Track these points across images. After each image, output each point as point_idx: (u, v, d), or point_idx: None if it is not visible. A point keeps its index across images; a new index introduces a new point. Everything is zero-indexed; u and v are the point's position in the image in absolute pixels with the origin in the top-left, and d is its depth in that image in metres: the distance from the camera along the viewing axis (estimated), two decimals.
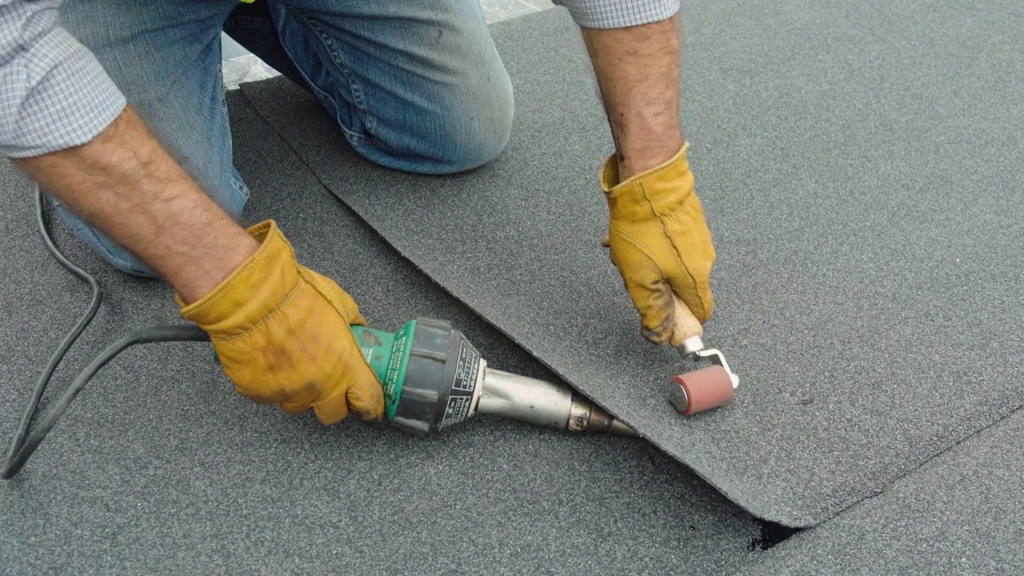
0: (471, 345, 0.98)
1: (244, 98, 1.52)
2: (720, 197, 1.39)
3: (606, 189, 1.00)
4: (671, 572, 0.90)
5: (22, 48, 0.73)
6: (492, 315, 1.08)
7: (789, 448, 1.02)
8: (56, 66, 0.74)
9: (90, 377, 0.88)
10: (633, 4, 0.93)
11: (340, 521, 0.93)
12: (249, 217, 1.25)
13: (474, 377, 0.95)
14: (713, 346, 1.09)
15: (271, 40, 1.42)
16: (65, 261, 1.18)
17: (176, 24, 1.11)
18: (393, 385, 0.93)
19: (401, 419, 0.95)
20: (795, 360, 1.13)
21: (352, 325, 0.93)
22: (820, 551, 0.91)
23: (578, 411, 0.99)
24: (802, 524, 0.93)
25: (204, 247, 0.81)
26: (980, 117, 1.61)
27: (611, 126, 1.00)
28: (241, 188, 1.24)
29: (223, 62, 1.26)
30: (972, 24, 1.89)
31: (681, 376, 1.02)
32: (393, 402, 0.93)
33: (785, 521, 0.92)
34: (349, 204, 1.31)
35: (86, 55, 0.78)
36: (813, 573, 0.89)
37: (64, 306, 1.14)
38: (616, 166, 1.01)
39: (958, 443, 1.04)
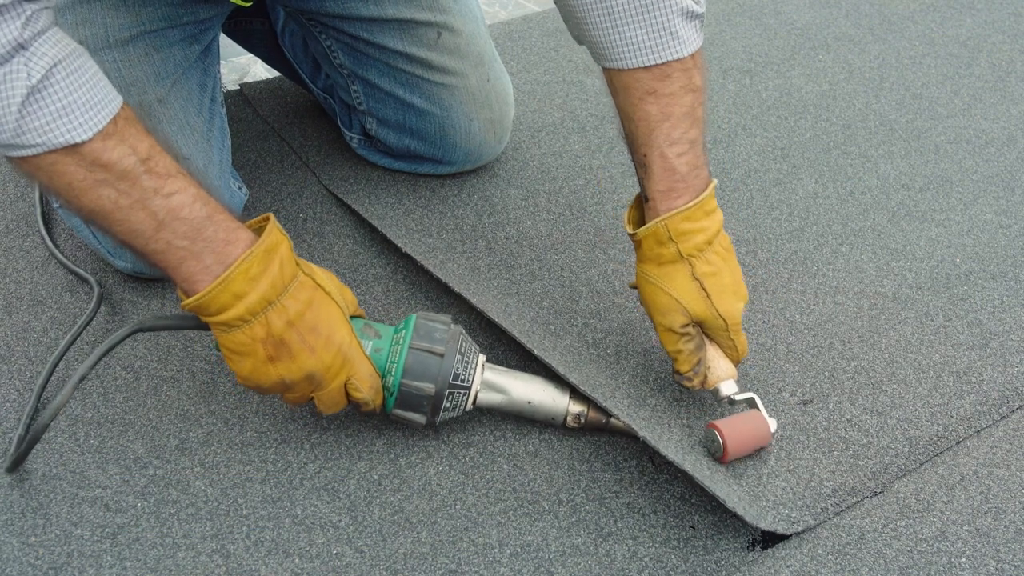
0: (471, 340, 0.98)
1: (244, 98, 1.52)
2: (720, 197, 1.39)
3: (630, 231, 0.97)
4: (671, 572, 0.90)
5: (21, 47, 0.73)
6: (493, 312, 1.08)
7: (789, 448, 1.01)
8: (55, 65, 0.75)
9: (94, 364, 0.89)
10: (651, 44, 0.91)
11: (340, 521, 0.93)
12: (249, 218, 1.24)
13: (472, 372, 0.96)
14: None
15: (270, 41, 1.42)
16: (65, 261, 1.18)
17: (175, 25, 1.11)
18: (392, 378, 0.93)
19: (399, 411, 0.95)
20: (795, 360, 1.13)
21: (352, 317, 0.94)
22: (820, 551, 0.91)
23: (576, 408, 0.99)
24: (801, 527, 0.93)
25: (204, 241, 0.82)
26: (980, 117, 1.61)
27: (635, 167, 0.97)
28: (241, 188, 1.24)
29: (223, 62, 1.26)
30: (972, 24, 1.89)
31: (717, 422, 0.98)
32: (391, 394, 0.94)
33: (782, 529, 0.92)
34: (349, 204, 1.31)
35: (83, 54, 0.78)
36: (813, 573, 0.89)
37: (64, 306, 1.14)
38: (641, 207, 0.98)
39: (958, 443, 1.04)
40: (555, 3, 0.99)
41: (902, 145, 1.53)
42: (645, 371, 1.09)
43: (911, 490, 0.98)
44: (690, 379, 0.99)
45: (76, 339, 1.07)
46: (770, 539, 0.93)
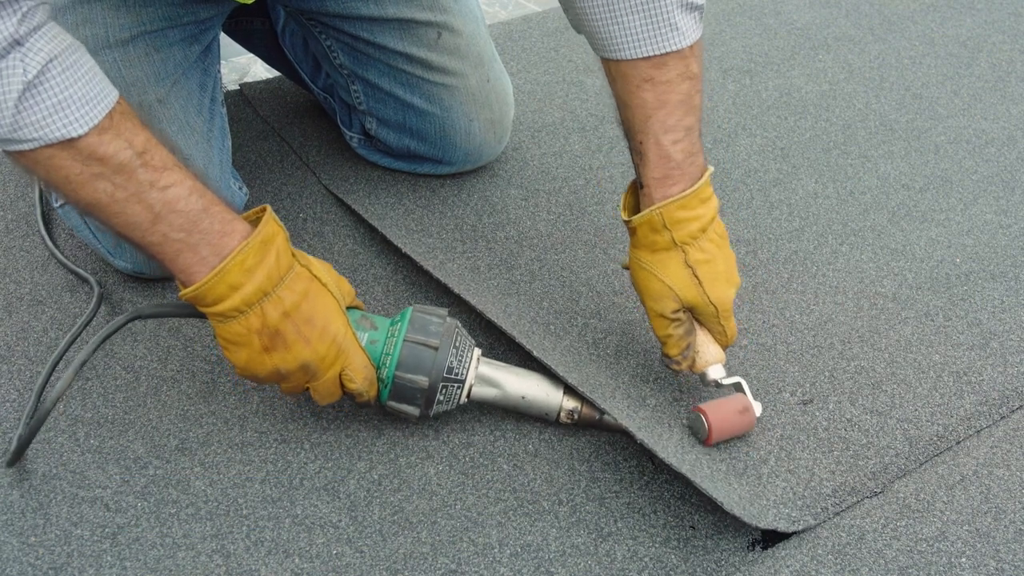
0: (466, 334, 0.98)
1: (244, 98, 1.52)
2: (720, 197, 1.37)
3: (626, 218, 0.98)
4: (671, 572, 0.90)
5: (17, 43, 0.74)
6: (492, 312, 1.08)
7: (789, 448, 1.01)
8: (51, 60, 0.75)
9: (94, 350, 0.90)
10: (651, 35, 0.91)
11: (340, 521, 0.93)
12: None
13: (467, 366, 0.96)
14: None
15: (271, 41, 1.42)
16: (65, 261, 1.18)
17: (175, 25, 1.11)
18: (386, 369, 0.94)
19: (393, 403, 0.96)
20: (795, 360, 1.13)
21: (349, 309, 0.95)
22: (820, 551, 0.91)
23: (569, 404, 0.99)
24: (801, 526, 0.93)
25: (200, 233, 0.83)
26: (980, 117, 1.61)
27: (631, 153, 0.98)
28: (241, 188, 1.24)
29: (223, 62, 1.26)
30: (972, 24, 1.89)
31: (702, 405, 0.99)
32: (386, 386, 0.94)
33: (782, 527, 0.92)
34: (349, 204, 1.31)
35: (79, 49, 0.79)
36: (813, 573, 0.89)
37: (64, 306, 1.14)
38: (637, 193, 0.99)
39: (958, 443, 1.04)
40: None
41: (902, 145, 1.53)
42: (645, 371, 1.09)
43: (911, 490, 0.98)
44: (679, 363, 1.00)
45: (76, 339, 1.07)
46: (770, 539, 0.93)
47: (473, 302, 1.09)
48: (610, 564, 0.91)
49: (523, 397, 0.99)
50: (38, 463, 0.96)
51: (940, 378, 1.11)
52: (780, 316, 1.19)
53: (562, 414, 1.00)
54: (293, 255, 0.89)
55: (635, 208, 0.99)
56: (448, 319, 0.97)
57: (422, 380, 0.94)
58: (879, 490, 0.98)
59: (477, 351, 0.98)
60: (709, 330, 1.01)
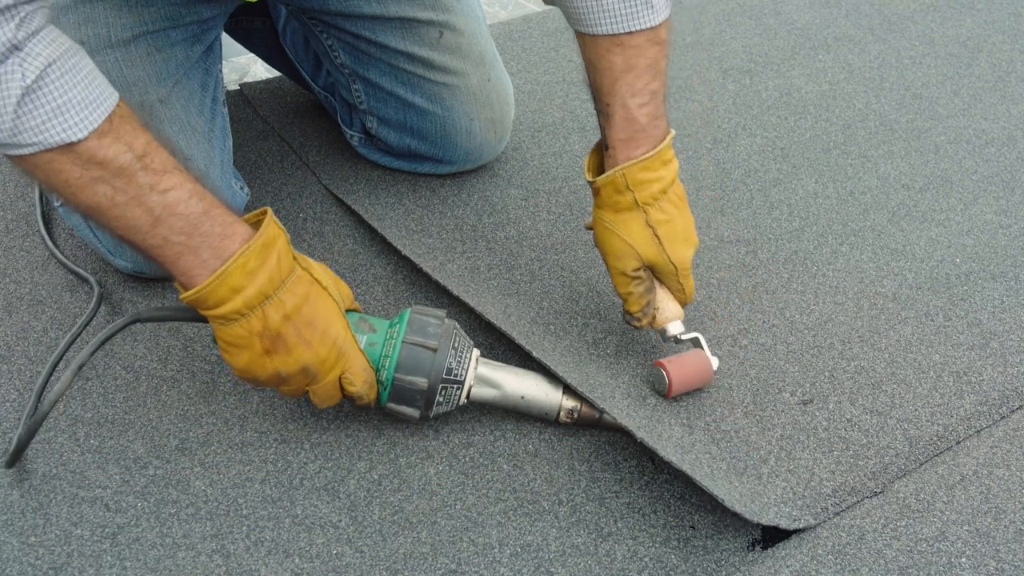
0: (464, 335, 0.98)
1: (244, 98, 1.52)
2: (720, 197, 1.39)
3: (589, 179, 1.01)
4: (671, 572, 0.90)
5: (16, 48, 0.74)
6: (492, 314, 1.08)
7: (789, 448, 1.02)
8: (50, 64, 0.75)
9: (93, 352, 0.90)
10: (626, 12, 0.94)
11: (340, 521, 0.93)
12: None
13: (466, 367, 0.96)
14: (713, 345, 1.09)
15: (271, 40, 1.42)
16: (65, 261, 1.18)
17: (177, 25, 1.11)
18: (385, 372, 0.94)
19: (392, 405, 0.96)
20: (795, 360, 1.13)
21: (348, 311, 0.95)
22: (820, 551, 0.91)
23: (569, 403, 1.00)
24: (801, 525, 0.93)
25: (201, 236, 0.83)
26: (980, 117, 1.61)
27: (597, 115, 1.01)
28: (242, 188, 1.24)
29: (223, 62, 1.26)
30: (972, 24, 1.89)
31: (661, 360, 1.04)
32: (385, 388, 0.95)
33: (784, 524, 0.92)
34: (349, 204, 1.31)
35: (78, 52, 0.79)
36: (813, 573, 0.89)
37: (64, 306, 1.14)
38: (601, 154, 1.02)
39: (958, 443, 1.04)
40: None
41: (902, 145, 1.53)
42: (645, 371, 1.09)
43: (911, 490, 0.98)
44: (639, 319, 1.04)
45: (76, 339, 1.07)
46: (770, 538, 0.93)
47: (473, 303, 1.09)
48: (610, 564, 0.91)
49: (522, 397, 1.00)
50: (38, 463, 0.96)
51: (940, 378, 1.12)
52: (780, 316, 1.19)
53: (562, 413, 1.00)
54: (294, 258, 0.89)
55: (599, 169, 1.03)
56: (446, 320, 0.97)
57: (421, 382, 0.94)
58: (879, 490, 0.98)
59: (476, 352, 0.98)
60: (669, 288, 1.05)
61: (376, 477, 0.97)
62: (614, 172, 0.97)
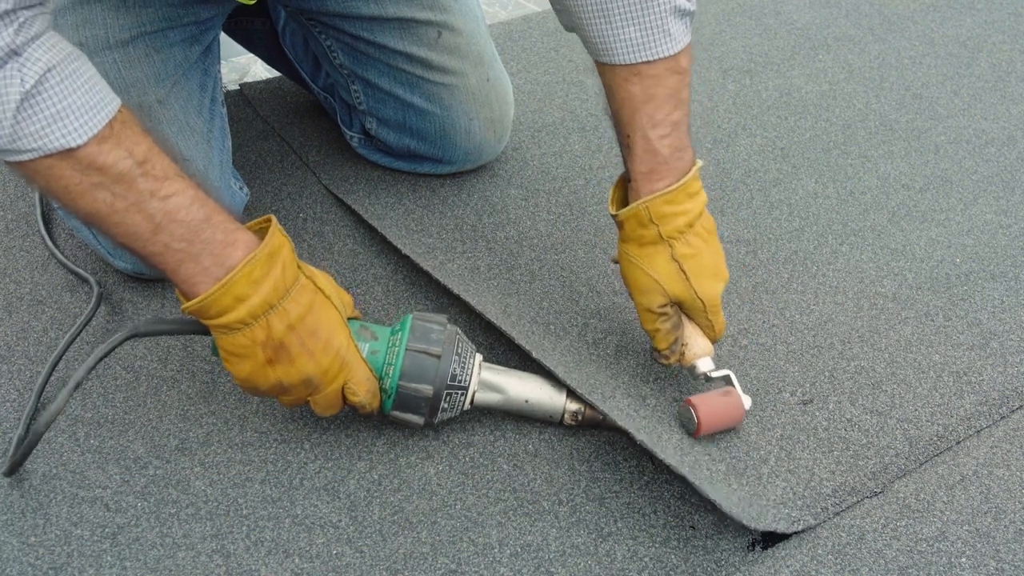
0: (467, 340, 0.98)
1: (244, 98, 1.52)
2: (720, 197, 1.39)
3: (613, 212, 0.99)
4: (671, 572, 0.90)
5: (15, 53, 0.73)
6: (492, 313, 1.08)
7: (789, 448, 1.01)
8: (49, 70, 0.75)
9: (91, 369, 0.89)
10: (644, 41, 0.92)
11: (340, 521, 0.93)
12: (249, 218, 1.24)
13: (469, 372, 0.96)
14: (713, 344, 1.08)
15: (271, 41, 1.42)
16: (65, 261, 1.18)
17: (176, 26, 1.11)
18: (389, 380, 0.93)
19: (397, 413, 0.95)
20: (795, 360, 1.13)
21: (348, 320, 0.94)
22: (820, 551, 0.91)
23: (573, 405, 0.99)
24: (801, 526, 0.93)
25: (202, 243, 0.82)
26: (980, 117, 1.61)
27: (620, 147, 0.99)
28: (241, 189, 1.24)
29: (223, 62, 1.26)
30: (972, 24, 1.89)
31: (691, 398, 1.00)
32: (389, 396, 0.94)
33: (781, 528, 0.92)
34: (349, 204, 1.31)
35: (79, 58, 0.78)
36: (813, 573, 0.89)
37: (64, 306, 1.14)
38: (625, 187, 1.00)
39: (958, 443, 1.04)
40: None
41: (902, 145, 1.53)
42: (645, 371, 1.09)
43: (911, 490, 0.98)
44: (667, 357, 1.01)
45: (76, 339, 1.07)
46: (770, 539, 0.93)
47: (473, 303, 1.09)
48: (610, 564, 0.91)
49: (526, 401, 0.99)
50: (38, 463, 0.96)
51: (940, 378, 1.11)
52: (780, 316, 1.19)
53: (566, 415, 1.00)
54: (298, 267, 0.88)
55: (623, 201, 1.00)
56: (448, 326, 0.97)
57: (426, 389, 0.93)
58: (879, 490, 0.98)
59: (479, 357, 0.98)
60: (698, 324, 1.01)
61: (376, 477, 0.97)
62: (636, 205, 0.95)
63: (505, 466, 0.99)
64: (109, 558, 0.88)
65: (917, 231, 1.35)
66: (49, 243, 1.21)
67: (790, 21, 1.87)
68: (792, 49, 1.78)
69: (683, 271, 0.96)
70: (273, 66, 1.49)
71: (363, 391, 0.91)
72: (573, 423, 1.00)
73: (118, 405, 1.02)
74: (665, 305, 0.98)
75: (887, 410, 1.07)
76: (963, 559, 0.91)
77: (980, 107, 1.64)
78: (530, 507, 0.95)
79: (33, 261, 1.20)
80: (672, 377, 1.09)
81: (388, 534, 0.92)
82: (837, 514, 0.95)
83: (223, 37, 1.30)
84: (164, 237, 0.81)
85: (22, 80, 0.73)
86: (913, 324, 1.19)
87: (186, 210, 0.82)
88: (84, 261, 1.20)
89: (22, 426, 0.96)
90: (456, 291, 1.11)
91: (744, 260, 1.27)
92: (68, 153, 0.76)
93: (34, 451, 0.96)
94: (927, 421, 1.06)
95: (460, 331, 0.98)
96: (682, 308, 1.00)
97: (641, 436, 0.93)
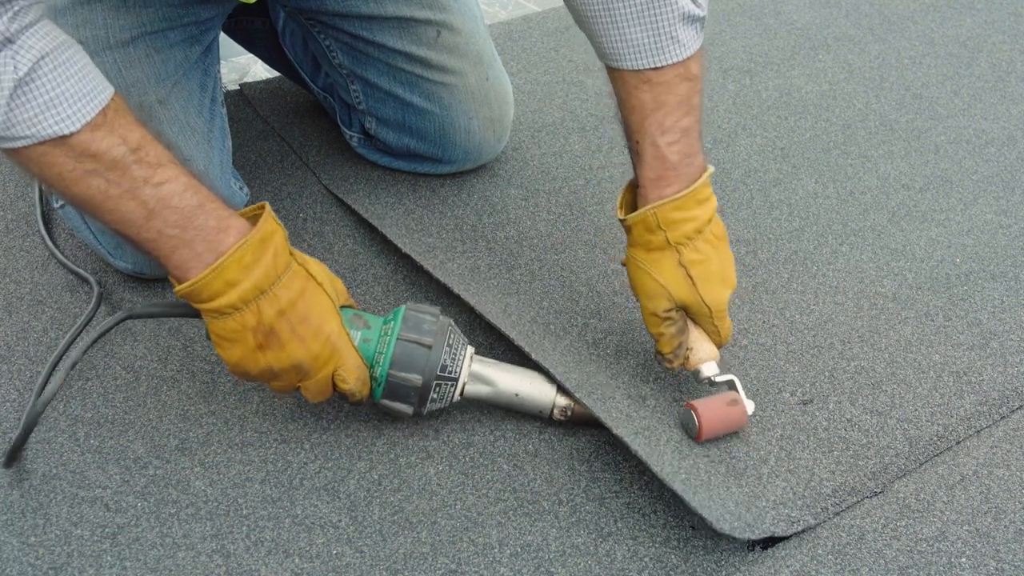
0: (459, 332, 0.98)
1: (244, 98, 1.52)
2: (720, 197, 1.38)
3: (621, 216, 0.99)
4: (671, 572, 0.90)
5: (8, 41, 0.74)
6: (492, 313, 1.08)
7: (789, 448, 1.01)
8: (42, 57, 0.75)
9: (86, 350, 0.91)
10: (652, 47, 0.92)
11: (340, 521, 0.93)
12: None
13: (460, 363, 0.96)
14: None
15: (271, 41, 1.42)
16: (65, 261, 1.18)
17: (176, 26, 1.11)
18: (379, 368, 0.94)
19: (386, 402, 0.96)
20: (795, 360, 1.13)
21: (342, 308, 0.95)
22: (820, 551, 0.91)
23: (563, 401, 1.00)
24: (800, 527, 0.93)
25: (195, 229, 0.83)
26: (980, 117, 1.61)
27: (629, 153, 0.99)
28: (241, 188, 1.24)
29: (223, 62, 1.26)
30: (972, 24, 1.89)
31: (694, 402, 0.99)
32: (379, 385, 0.94)
33: (779, 531, 0.92)
34: (349, 204, 1.31)
35: (73, 46, 0.79)
36: (813, 573, 0.89)
37: (64, 306, 1.14)
38: (634, 192, 0.99)
39: (958, 443, 1.04)
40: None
41: (902, 145, 1.53)
42: (645, 371, 1.09)
43: (911, 490, 0.98)
44: (671, 361, 1.01)
45: (76, 339, 1.07)
46: (770, 539, 0.93)
47: (472, 302, 1.09)
48: (610, 564, 0.91)
49: (516, 394, 1.00)
50: (38, 463, 0.96)
51: (940, 378, 1.11)
52: (780, 316, 1.19)
53: (555, 411, 1.00)
54: (291, 253, 0.89)
55: (632, 205, 1.00)
56: (441, 317, 0.97)
57: (416, 378, 0.94)
58: (879, 490, 0.98)
59: (470, 349, 0.98)
60: (703, 329, 1.01)
61: (376, 477, 0.97)
62: (644, 211, 0.95)
63: (505, 466, 0.99)
64: (109, 558, 0.88)
65: (917, 231, 1.35)
66: (49, 243, 1.21)
67: (790, 21, 1.87)
68: (792, 49, 1.78)
69: (690, 276, 0.96)
70: (273, 66, 1.49)
71: (353, 378, 0.92)
72: (563, 418, 1.00)
73: (118, 405, 1.02)
74: (670, 310, 0.98)
75: (887, 410, 1.07)
76: (963, 559, 0.91)
77: (980, 107, 1.64)
78: (530, 507, 0.95)
79: (33, 261, 1.20)
80: (672, 378, 1.09)
81: (388, 534, 0.92)
82: (837, 514, 0.95)
83: (223, 37, 1.31)
84: (157, 223, 0.82)
85: (15, 67, 0.74)
86: (913, 324, 1.19)
87: (179, 197, 0.82)
88: (84, 261, 1.20)
89: (22, 426, 0.96)
90: (456, 291, 1.11)
91: (744, 260, 1.27)
92: (62, 140, 0.77)
93: (35, 451, 0.96)
94: (927, 421, 1.06)
95: (453, 323, 0.98)
96: (688, 313, 1.00)
97: (637, 443, 0.93)
